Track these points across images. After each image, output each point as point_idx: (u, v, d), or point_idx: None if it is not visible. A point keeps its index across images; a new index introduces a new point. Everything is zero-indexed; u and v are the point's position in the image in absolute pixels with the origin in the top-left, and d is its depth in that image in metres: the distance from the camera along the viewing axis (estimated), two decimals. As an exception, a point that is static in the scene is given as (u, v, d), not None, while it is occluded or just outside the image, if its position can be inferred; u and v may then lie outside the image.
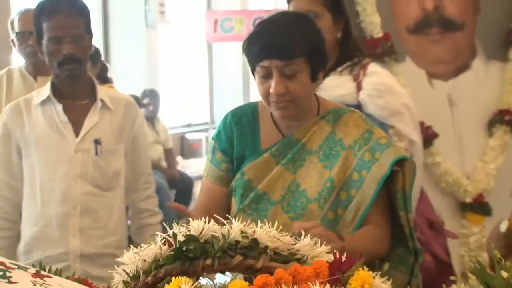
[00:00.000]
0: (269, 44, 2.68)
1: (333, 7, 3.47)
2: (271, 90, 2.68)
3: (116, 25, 9.94)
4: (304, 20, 2.79)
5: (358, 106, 3.42)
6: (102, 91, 3.52)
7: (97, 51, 6.72)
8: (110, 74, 7.22)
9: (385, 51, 4.53)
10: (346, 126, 2.80)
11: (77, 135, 3.43)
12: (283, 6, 3.70)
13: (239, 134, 2.87)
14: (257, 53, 2.71)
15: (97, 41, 9.65)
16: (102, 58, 8.69)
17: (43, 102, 3.44)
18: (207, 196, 2.94)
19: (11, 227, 3.51)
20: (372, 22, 4.52)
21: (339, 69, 3.51)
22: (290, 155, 2.79)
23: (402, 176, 2.70)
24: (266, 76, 2.70)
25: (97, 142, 3.42)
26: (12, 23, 4.65)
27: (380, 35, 4.53)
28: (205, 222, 2.05)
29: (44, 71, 4.54)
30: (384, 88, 3.49)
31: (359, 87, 3.49)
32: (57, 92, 3.45)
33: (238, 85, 12.89)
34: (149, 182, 3.68)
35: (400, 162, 2.71)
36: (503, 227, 2.95)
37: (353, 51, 3.56)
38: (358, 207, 2.71)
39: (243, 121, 2.88)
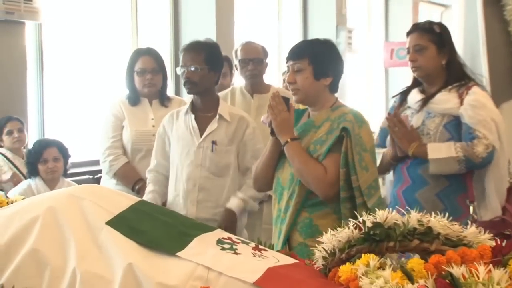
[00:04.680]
0: (289, 51, 3.16)
1: (437, 41, 3.57)
2: (286, 80, 3.19)
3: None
4: (321, 40, 3.19)
5: (460, 117, 3.52)
6: (224, 107, 3.90)
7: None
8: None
9: None
10: (338, 113, 3.11)
11: (201, 136, 3.83)
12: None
13: None
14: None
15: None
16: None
17: (185, 113, 3.90)
18: None
19: (162, 190, 3.95)
20: None
21: (449, 87, 3.56)
22: (303, 126, 3.16)
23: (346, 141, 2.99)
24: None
25: (214, 142, 3.82)
26: (235, 52, 4.76)
27: None
28: (388, 213, 2.05)
29: (260, 90, 4.62)
30: (477, 104, 3.49)
31: (461, 103, 3.51)
32: (194, 107, 3.89)
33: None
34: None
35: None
36: None
37: (459, 74, 3.61)
38: (318, 156, 3.05)
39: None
